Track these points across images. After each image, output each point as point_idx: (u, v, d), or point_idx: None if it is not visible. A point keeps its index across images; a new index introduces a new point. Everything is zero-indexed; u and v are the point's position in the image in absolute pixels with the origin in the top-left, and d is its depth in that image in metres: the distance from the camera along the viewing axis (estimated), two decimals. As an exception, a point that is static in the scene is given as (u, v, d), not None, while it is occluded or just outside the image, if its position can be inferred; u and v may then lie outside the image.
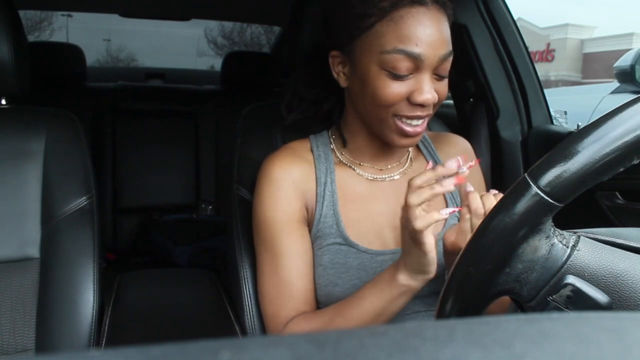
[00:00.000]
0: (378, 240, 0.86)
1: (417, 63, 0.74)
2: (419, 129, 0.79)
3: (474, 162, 0.69)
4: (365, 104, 0.80)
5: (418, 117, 0.78)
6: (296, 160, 0.87)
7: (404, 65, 0.74)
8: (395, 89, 0.75)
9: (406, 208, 0.68)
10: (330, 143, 0.91)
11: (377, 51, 0.75)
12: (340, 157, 0.90)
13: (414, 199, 0.67)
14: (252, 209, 0.87)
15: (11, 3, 0.97)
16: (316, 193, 0.86)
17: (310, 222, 0.87)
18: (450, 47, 0.77)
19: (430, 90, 0.76)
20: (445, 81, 0.79)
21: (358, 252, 0.83)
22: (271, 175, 0.85)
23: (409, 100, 0.76)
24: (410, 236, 0.70)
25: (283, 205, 0.84)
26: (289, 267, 0.82)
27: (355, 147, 0.89)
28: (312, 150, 0.90)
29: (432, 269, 0.73)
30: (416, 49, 0.73)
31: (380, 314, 0.76)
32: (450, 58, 0.78)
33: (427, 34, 0.74)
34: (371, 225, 0.86)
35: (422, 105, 0.77)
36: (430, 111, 0.79)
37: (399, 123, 0.78)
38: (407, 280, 0.74)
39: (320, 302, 0.86)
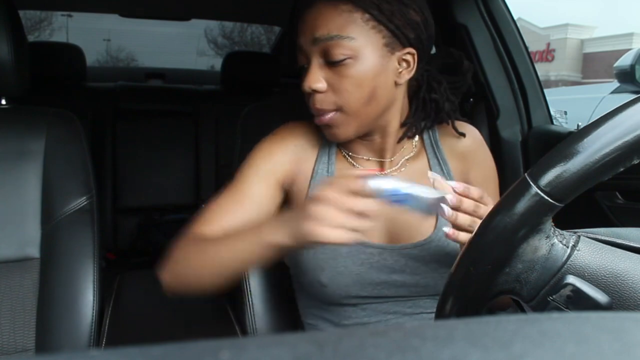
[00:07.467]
0: (365, 235, 0.85)
1: (303, 53, 0.77)
2: (324, 121, 0.78)
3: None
4: None
5: (314, 108, 0.77)
6: (308, 132, 0.89)
7: (299, 57, 0.78)
8: (302, 81, 0.77)
9: (322, 201, 0.62)
10: None
11: None
12: (341, 149, 0.90)
13: (356, 204, 0.62)
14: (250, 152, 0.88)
15: (11, 3, 0.97)
16: (313, 169, 0.87)
17: (297, 195, 0.87)
18: (331, 31, 0.73)
19: (310, 79, 0.75)
20: (347, 72, 0.74)
21: None
22: (280, 133, 0.88)
23: None
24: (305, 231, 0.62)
25: (274, 160, 0.84)
26: (241, 207, 0.81)
27: (348, 143, 0.88)
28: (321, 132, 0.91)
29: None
30: (297, 40, 0.77)
31: (246, 258, 0.71)
32: (336, 42, 0.73)
33: (304, 23, 0.76)
34: None
35: (309, 94, 0.77)
36: (326, 104, 0.76)
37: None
38: (284, 240, 0.66)
39: (308, 289, 0.86)
